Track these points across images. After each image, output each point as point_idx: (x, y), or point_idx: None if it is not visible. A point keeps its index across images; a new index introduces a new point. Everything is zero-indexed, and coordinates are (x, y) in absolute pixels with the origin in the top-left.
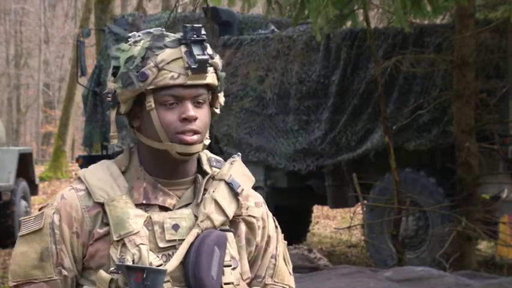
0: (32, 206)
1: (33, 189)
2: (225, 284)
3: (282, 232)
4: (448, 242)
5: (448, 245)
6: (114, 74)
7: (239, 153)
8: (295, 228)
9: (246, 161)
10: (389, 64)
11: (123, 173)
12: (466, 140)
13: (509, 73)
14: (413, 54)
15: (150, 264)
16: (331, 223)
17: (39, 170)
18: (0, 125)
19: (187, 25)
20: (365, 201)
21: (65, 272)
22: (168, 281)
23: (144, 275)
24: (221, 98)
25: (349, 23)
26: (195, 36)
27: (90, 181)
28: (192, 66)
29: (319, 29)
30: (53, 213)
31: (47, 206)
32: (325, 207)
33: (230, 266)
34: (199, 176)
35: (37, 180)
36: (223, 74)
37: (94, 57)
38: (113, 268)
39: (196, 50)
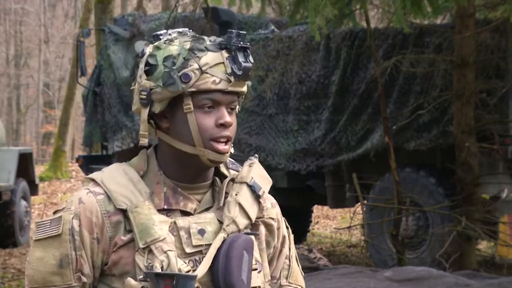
0: (32, 206)
1: (33, 189)
2: None
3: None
4: (448, 242)
5: (448, 245)
6: (148, 72)
7: (256, 155)
8: (295, 228)
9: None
10: (389, 64)
11: (141, 177)
12: (466, 140)
13: (509, 73)
14: (413, 54)
15: (179, 270)
16: (331, 223)
17: (39, 170)
18: (0, 125)
19: (233, 30)
20: (365, 201)
21: (84, 279)
22: (198, 287)
23: (174, 282)
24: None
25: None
26: (240, 43)
27: (110, 186)
28: (237, 73)
29: (318, 29)
30: (72, 218)
31: (64, 210)
32: (325, 207)
33: (256, 269)
34: (217, 179)
35: (37, 180)
36: (250, 83)
37: (94, 57)
38: (141, 276)
39: (240, 57)
